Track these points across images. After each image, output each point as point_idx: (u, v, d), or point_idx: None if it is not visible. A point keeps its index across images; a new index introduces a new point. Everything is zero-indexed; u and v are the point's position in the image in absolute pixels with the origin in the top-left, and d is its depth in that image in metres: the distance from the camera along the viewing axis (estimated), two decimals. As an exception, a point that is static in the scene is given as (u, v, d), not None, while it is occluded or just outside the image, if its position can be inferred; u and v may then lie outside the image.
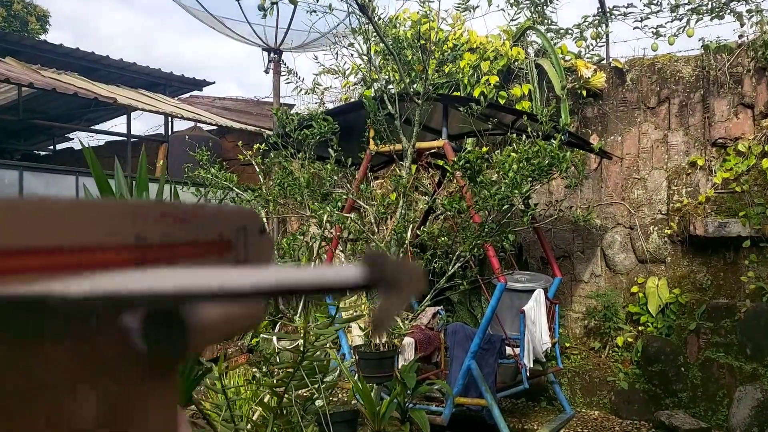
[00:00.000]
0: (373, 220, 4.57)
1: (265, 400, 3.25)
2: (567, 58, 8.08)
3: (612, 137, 7.79)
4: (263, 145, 5.49)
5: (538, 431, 6.07)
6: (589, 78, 7.70)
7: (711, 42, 7.11)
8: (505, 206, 4.30)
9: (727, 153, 6.98)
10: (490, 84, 7.70)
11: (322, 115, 4.69)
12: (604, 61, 8.13)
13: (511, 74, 8.20)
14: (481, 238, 3.90)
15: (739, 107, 7.01)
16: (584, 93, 7.75)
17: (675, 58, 7.51)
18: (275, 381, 2.92)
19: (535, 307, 6.00)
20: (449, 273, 4.24)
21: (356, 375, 3.81)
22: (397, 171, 7.52)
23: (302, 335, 2.75)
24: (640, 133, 7.67)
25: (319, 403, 3.93)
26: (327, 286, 0.23)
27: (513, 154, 4.01)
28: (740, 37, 6.99)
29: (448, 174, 4.49)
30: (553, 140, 4.09)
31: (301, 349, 2.80)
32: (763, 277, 6.66)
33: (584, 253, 7.93)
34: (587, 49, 8.30)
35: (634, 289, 7.43)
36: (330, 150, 4.33)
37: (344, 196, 4.42)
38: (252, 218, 0.29)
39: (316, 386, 2.93)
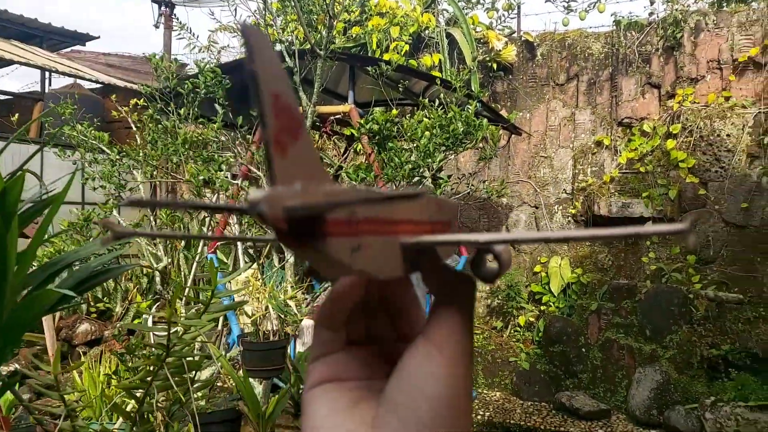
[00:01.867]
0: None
1: (130, 403, 2.67)
2: (478, 29, 7.77)
3: (521, 113, 7.59)
4: (142, 100, 4.77)
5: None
6: (500, 50, 7.43)
7: (623, 18, 7.01)
8: (416, 178, 3.89)
9: (632, 133, 6.95)
10: (399, 52, 7.25)
11: (209, 66, 4.04)
12: (515, 34, 7.90)
13: (422, 43, 7.79)
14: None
15: (646, 87, 6.98)
16: (495, 66, 7.49)
17: (585, 34, 7.38)
18: (133, 381, 2.36)
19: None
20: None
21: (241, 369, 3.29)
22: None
23: (168, 327, 2.20)
24: (548, 111, 7.52)
25: (202, 403, 3.38)
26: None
27: (426, 120, 3.58)
28: (650, 15, 6.93)
29: (355, 142, 4.00)
30: (468, 107, 3.70)
31: (165, 343, 2.25)
32: (663, 258, 6.70)
33: (490, 231, 7.74)
34: (499, 21, 8.04)
35: (537, 268, 7.32)
36: (217, 106, 3.72)
37: (230, 159, 3.83)
38: (454, 208, 0.45)
39: (185, 387, 2.40)
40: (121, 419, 2.58)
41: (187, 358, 2.37)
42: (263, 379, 3.38)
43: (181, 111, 3.90)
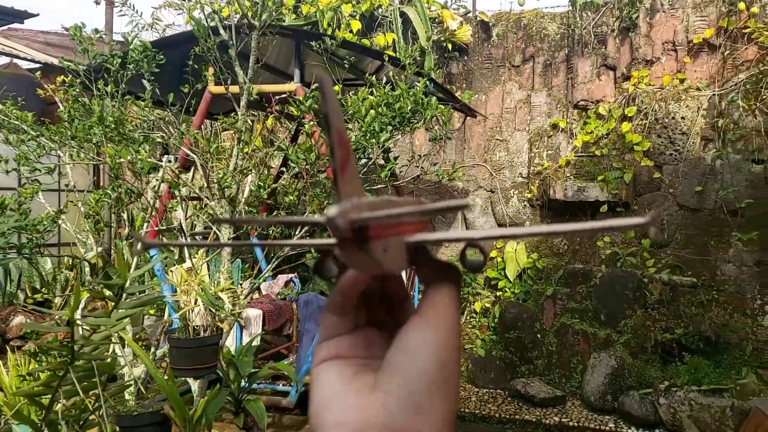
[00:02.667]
0: (205, 176, 3.74)
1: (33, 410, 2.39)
2: (433, 8, 7.54)
3: (476, 96, 7.43)
4: (69, 78, 4.40)
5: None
6: (455, 30, 7.23)
7: (579, -3, 6.88)
8: (363, 159, 3.66)
9: (588, 116, 6.85)
10: (352, 30, 6.99)
11: (139, 40, 3.72)
12: (471, 14, 7.70)
13: (375, 21, 7.53)
14: (333, 196, 3.23)
15: (602, 68, 6.88)
16: (450, 46, 7.28)
17: (541, 14, 7.23)
18: (36, 387, 2.10)
19: (394, 275, 5.49)
20: (295, 239, 3.54)
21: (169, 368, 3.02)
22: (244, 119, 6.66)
23: (71, 329, 1.94)
24: (504, 93, 7.37)
25: (131, 404, 3.11)
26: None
27: (371, 98, 3.36)
28: (607, -6, 6.82)
29: (304, 124, 3.74)
30: (417, 84, 3.49)
31: (70, 345, 1.99)
32: (618, 242, 6.65)
33: (445, 216, 7.58)
34: (454, 0, 7.82)
35: (494, 253, 7.19)
36: (144, 82, 3.41)
37: (157, 140, 3.53)
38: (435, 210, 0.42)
39: (96, 392, 2.14)
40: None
41: (97, 360, 2.11)
42: (193, 378, 3.13)
43: (108, 88, 3.57)
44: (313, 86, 3.58)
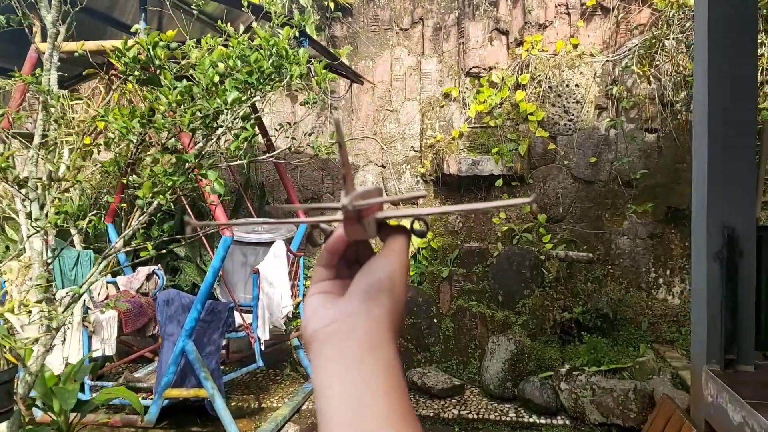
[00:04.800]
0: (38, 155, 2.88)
1: None
2: (313, -37, 6.79)
3: (363, 61, 6.80)
4: None
5: (279, 411, 4.99)
6: (338, -11, 6.54)
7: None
8: (221, 128, 2.93)
9: (480, 84, 6.41)
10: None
11: None
12: (355, -28, 7.03)
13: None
14: (169, 177, 2.49)
15: (494, 33, 6.45)
16: (332, 5, 6.59)
17: (431, -27, 6.68)
18: None
19: (274, 264, 4.81)
20: (127, 230, 2.78)
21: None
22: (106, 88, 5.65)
23: None
24: (392, 58, 6.79)
25: None
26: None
27: (221, 48, 2.63)
28: (498, -48, 6.36)
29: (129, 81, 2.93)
30: (279, 32, 2.80)
31: None
32: (513, 218, 6.31)
33: (334, 194, 6.96)
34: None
35: (386, 233, 6.66)
36: None
37: None
38: (380, 191, 0.59)
39: None
40: None
41: None
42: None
43: None
44: (137, 36, 2.79)
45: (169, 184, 2.55)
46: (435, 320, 5.86)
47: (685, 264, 5.99)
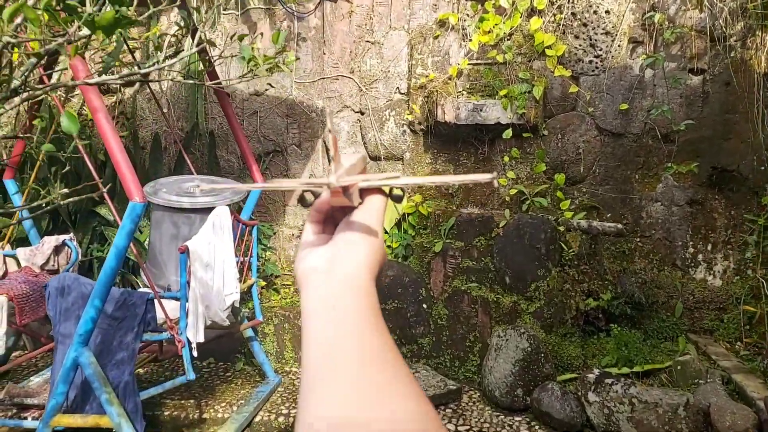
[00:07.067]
0: None
1: None
2: None
3: (339, -20, 5.43)
4: None
5: (224, 429, 3.83)
6: None
7: None
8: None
9: (485, 9, 5.10)
10: None
11: None
12: None
13: None
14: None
15: (505, -58, 5.10)
16: None
17: None
18: None
19: (212, 239, 3.56)
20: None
21: None
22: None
23: None
24: (375, -23, 5.43)
25: None
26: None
27: None
28: None
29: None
30: None
31: None
32: (522, 177, 5.12)
33: (301, 147, 5.68)
34: None
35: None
36: None
37: None
38: (365, 159, 0.73)
39: None
40: None
41: None
42: None
43: None
44: None
45: None
46: (424, 305, 4.70)
47: (730, 237, 4.89)
